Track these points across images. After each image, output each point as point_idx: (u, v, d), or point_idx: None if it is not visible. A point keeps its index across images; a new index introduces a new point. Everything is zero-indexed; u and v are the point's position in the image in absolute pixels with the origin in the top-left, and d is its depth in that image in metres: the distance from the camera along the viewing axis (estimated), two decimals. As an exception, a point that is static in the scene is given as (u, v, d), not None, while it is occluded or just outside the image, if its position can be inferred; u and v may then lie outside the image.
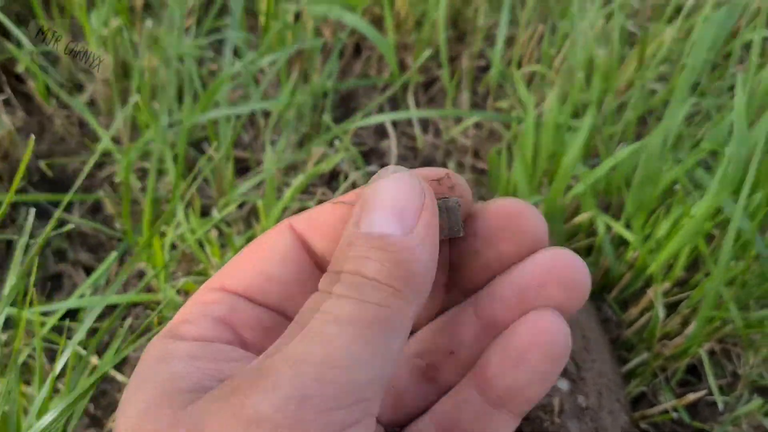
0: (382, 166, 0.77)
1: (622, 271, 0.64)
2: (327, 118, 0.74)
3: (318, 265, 0.28)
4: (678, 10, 0.83)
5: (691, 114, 0.75)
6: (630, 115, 0.69)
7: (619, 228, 0.62)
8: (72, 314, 0.62)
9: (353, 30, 0.83)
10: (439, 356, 0.30)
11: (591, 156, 0.72)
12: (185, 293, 0.65)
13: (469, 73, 0.82)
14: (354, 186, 0.73)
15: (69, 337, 0.57)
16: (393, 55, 0.78)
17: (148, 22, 0.76)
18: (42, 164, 0.75)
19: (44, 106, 0.78)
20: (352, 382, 0.22)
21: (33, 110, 0.80)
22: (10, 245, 0.69)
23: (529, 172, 0.66)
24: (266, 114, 0.79)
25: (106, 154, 0.74)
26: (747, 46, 0.86)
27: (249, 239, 0.68)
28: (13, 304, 0.49)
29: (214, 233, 0.67)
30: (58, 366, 0.44)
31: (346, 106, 0.83)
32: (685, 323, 0.61)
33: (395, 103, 0.83)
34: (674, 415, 0.59)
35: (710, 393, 0.60)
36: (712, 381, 0.58)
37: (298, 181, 0.66)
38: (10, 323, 0.59)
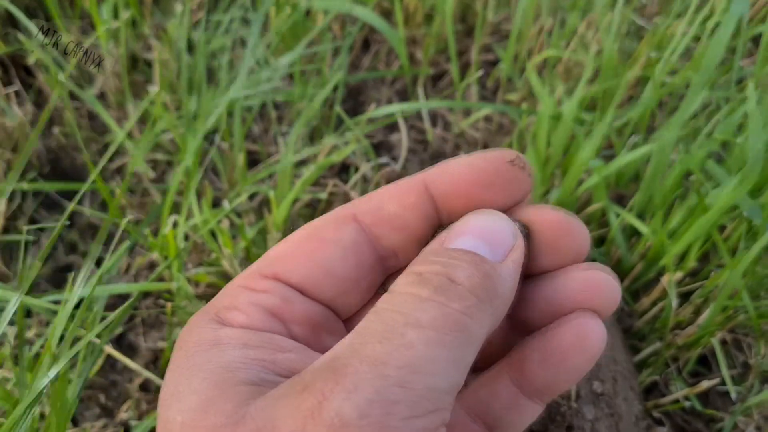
0: (393, 159, 0.77)
1: (633, 261, 0.64)
2: (338, 109, 0.74)
3: (382, 260, 0.28)
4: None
5: (701, 106, 0.75)
6: (642, 109, 0.69)
7: (632, 219, 0.62)
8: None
9: (363, 24, 0.83)
10: None
11: (603, 147, 0.72)
12: (195, 284, 0.65)
13: (478, 66, 0.83)
14: (365, 179, 0.74)
15: (82, 327, 0.57)
16: (404, 48, 0.78)
17: (158, 15, 0.76)
18: (52, 156, 0.75)
19: (54, 98, 0.78)
20: (433, 390, 0.21)
21: (42, 103, 0.80)
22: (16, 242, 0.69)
23: (542, 165, 0.66)
24: (277, 106, 0.79)
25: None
26: (754, 41, 0.86)
27: (260, 230, 0.68)
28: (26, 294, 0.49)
29: (225, 224, 0.67)
30: (70, 354, 0.44)
31: (355, 99, 0.83)
32: (697, 312, 0.61)
33: (405, 96, 0.83)
34: (686, 404, 0.59)
35: (723, 383, 0.60)
36: (724, 370, 0.58)
37: (309, 172, 0.66)
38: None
